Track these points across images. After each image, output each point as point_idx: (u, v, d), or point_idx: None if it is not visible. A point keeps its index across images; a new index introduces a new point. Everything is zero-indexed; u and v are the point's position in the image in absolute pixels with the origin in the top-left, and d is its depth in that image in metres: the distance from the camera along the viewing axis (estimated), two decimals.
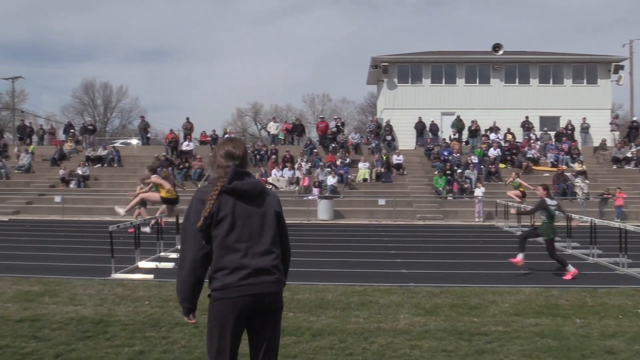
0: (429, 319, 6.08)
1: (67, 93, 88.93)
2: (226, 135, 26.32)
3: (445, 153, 24.12)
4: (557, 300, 7.07)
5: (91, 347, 5.00)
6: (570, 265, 8.76)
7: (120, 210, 13.61)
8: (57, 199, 21.06)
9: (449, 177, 21.89)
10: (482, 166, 23.08)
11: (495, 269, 9.66)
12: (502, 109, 28.52)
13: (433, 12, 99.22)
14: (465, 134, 27.20)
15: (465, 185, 21.54)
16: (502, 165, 23.58)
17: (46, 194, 22.64)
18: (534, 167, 23.47)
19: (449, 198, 21.28)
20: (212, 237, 2.85)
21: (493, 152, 23.95)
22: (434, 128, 27.49)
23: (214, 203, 2.82)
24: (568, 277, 8.59)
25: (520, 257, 9.02)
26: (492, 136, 25.99)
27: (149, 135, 30.68)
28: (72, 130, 30.38)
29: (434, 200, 21.17)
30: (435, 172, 22.21)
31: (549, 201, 9.04)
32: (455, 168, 22.54)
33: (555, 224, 9.13)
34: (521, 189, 17.30)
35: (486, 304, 6.78)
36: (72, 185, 23.37)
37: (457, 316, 6.23)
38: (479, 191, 20.12)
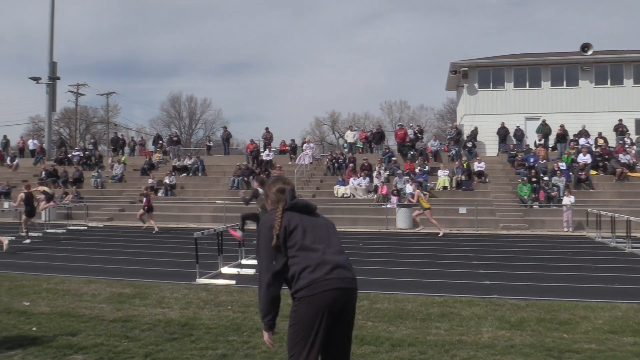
0: (514, 334, 5.81)
1: (156, 106, 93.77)
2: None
3: (531, 159, 23.10)
4: None
5: (177, 349, 5.20)
6: None
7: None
8: None
9: (534, 184, 20.91)
10: (570, 173, 21.87)
11: (587, 283, 9.08)
12: (592, 112, 26.99)
13: (515, 13, 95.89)
14: (551, 140, 25.94)
15: (553, 194, 20.48)
16: (593, 172, 22.23)
17: (137, 202, 23.97)
18: (629, 174, 21.92)
19: (534, 207, 20.31)
20: (288, 249, 2.99)
21: (583, 158, 22.62)
22: (519, 133, 26.40)
23: (282, 220, 3.05)
24: None
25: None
26: (582, 141, 24.58)
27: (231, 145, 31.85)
28: (160, 142, 32.07)
29: (519, 209, 20.29)
30: (520, 180, 21.30)
31: None
32: (541, 175, 21.50)
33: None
34: (425, 205, 17.34)
35: (577, 320, 6.38)
36: (160, 194, 24.61)
37: (545, 331, 5.90)
38: (567, 199, 19.06)
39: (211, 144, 34.93)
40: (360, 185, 22.72)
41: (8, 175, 29.74)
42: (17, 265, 10.78)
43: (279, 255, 2.99)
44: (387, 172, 23.54)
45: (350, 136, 29.21)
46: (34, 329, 5.84)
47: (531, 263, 11.39)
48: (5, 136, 34.92)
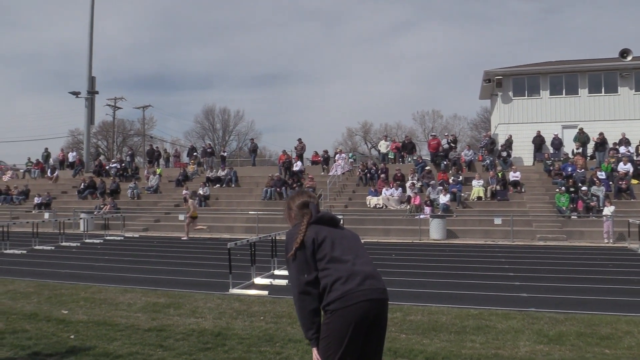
0: (553, 348, 5.63)
1: (190, 119, 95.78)
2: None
3: (569, 169, 22.54)
4: None
5: (210, 358, 5.22)
6: None
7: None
8: (181, 217, 22.58)
9: (572, 194, 20.38)
10: (610, 182, 21.25)
11: (630, 296, 8.76)
12: (632, 120, 26.26)
13: (550, 20, 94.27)
14: (589, 148, 25.27)
15: (592, 204, 19.90)
16: (634, 181, 21.53)
17: (171, 212, 24.40)
18: None
19: (573, 217, 19.78)
20: (317, 262, 2.97)
21: (623, 167, 21.94)
22: (556, 142, 25.80)
23: (307, 233, 3.03)
24: None
25: None
26: (622, 149, 23.85)
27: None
28: (194, 153, 32.59)
29: (556, 220, 19.79)
30: (557, 190, 20.79)
31: None
32: (580, 185, 20.95)
33: None
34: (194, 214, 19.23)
35: (619, 335, 6.15)
36: None
37: (586, 346, 5.70)
38: (607, 210, 18.49)
39: (225, 154, 35.05)
40: (393, 196, 22.56)
41: (49, 186, 30.71)
42: (56, 275, 11.07)
43: (308, 268, 2.95)
44: (420, 183, 23.32)
45: (383, 146, 29.10)
46: (72, 336, 5.97)
47: (570, 275, 11.07)
48: (46, 149, 36.15)
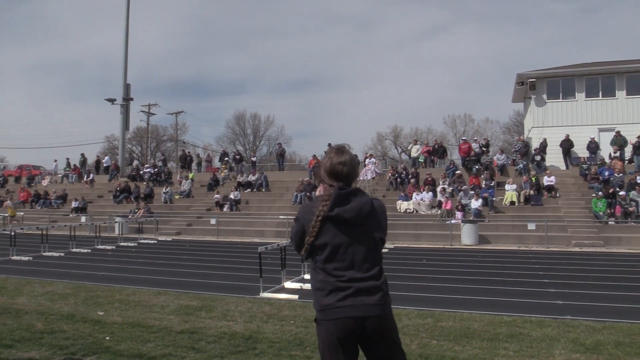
0: (590, 357, 5.48)
1: (222, 124, 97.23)
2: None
3: (606, 173, 21.96)
4: None
5: None
6: None
7: None
8: (213, 221, 22.86)
9: (610, 199, 19.83)
10: None
11: None
12: None
13: (587, 20, 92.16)
14: (627, 151, 24.57)
15: (631, 209, 19.32)
16: None
17: (203, 216, 24.72)
18: None
19: (610, 223, 19.23)
20: (314, 255, 2.76)
21: None
22: (593, 146, 25.17)
23: (317, 231, 2.70)
24: None
25: None
26: None
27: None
28: (226, 158, 32.99)
29: (593, 225, 19.28)
30: (594, 194, 20.27)
31: None
32: (617, 189, 20.37)
33: None
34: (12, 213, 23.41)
35: None
36: (225, 209, 25.25)
37: (624, 356, 5.53)
38: None
39: (255, 159, 35.34)
40: (424, 201, 22.36)
41: (85, 191, 31.51)
42: (92, 277, 11.34)
43: (305, 250, 2.77)
44: (452, 187, 23.05)
45: (414, 150, 28.90)
46: (107, 337, 6.10)
47: (607, 282, 10.76)
48: (82, 154, 37.08)
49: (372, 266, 2.69)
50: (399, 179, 24.96)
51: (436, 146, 28.92)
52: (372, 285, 2.65)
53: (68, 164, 36.65)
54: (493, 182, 22.69)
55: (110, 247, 17.85)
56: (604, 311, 7.95)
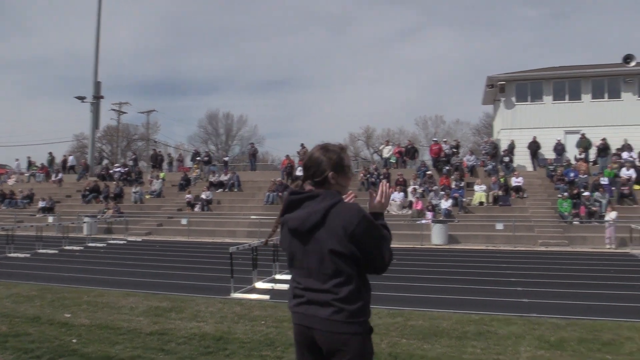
0: (554, 354, 5.64)
1: (194, 123, 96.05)
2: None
3: (571, 174, 22.53)
4: None
5: None
6: None
7: None
8: (184, 221, 22.62)
9: (575, 200, 20.36)
10: (613, 188, 21.22)
11: (631, 302, 8.75)
12: (636, 125, 26.23)
13: (555, 25, 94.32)
14: (592, 153, 25.26)
15: (594, 209, 19.88)
16: (636, 187, 21.49)
17: (174, 216, 24.45)
18: None
19: (575, 223, 19.75)
20: None
21: (626, 173, 21.93)
22: (559, 147, 25.80)
23: (276, 229, 2.69)
24: None
25: None
26: (625, 155, 23.84)
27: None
28: (197, 158, 32.69)
29: (558, 225, 19.76)
30: (560, 195, 20.77)
31: None
32: (582, 190, 20.92)
33: None
34: None
35: (621, 341, 6.15)
36: (197, 209, 25.01)
37: (587, 352, 5.71)
38: (610, 215, 18.46)
39: (228, 158, 35.35)
40: (395, 201, 22.57)
41: (53, 190, 30.82)
42: (59, 278, 11.11)
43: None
44: (422, 188, 23.31)
45: (386, 151, 29.13)
46: (74, 340, 6.00)
47: (572, 281, 11.06)
48: (50, 153, 36.28)
49: (329, 279, 2.45)
50: (370, 180, 25.11)
51: (408, 147, 29.21)
52: (324, 300, 2.45)
53: (29, 163, 35.79)
54: (463, 183, 23.05)
55: (78, 248, 17.50)
56: (568, 308, 8.17)
